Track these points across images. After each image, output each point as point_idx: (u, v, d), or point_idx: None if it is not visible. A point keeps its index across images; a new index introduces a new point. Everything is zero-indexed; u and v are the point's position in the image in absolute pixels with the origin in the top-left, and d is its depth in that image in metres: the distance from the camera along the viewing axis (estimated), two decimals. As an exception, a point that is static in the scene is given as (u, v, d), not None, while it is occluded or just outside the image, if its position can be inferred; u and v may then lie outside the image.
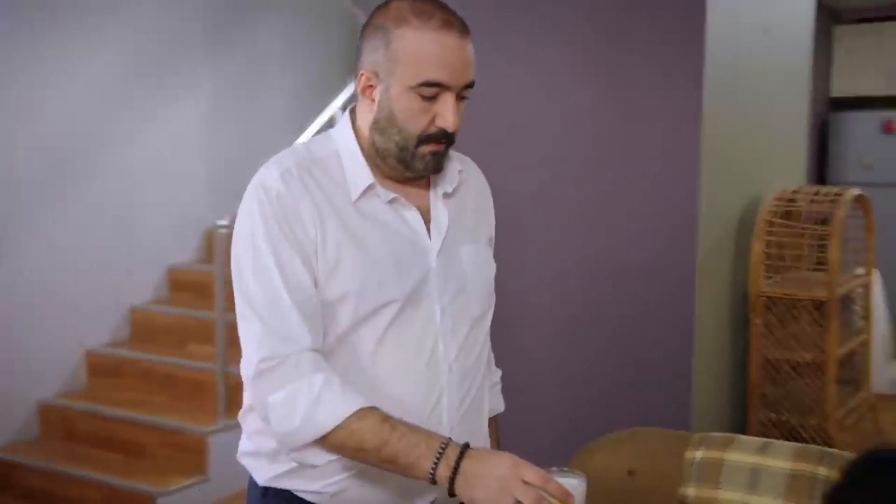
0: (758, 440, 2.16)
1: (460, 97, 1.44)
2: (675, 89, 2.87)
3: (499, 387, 1.82)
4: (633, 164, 2.97)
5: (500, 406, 1.82)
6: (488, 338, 1.70)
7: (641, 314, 2.99)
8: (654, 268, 2.96)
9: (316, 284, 1.41)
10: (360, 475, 1.45)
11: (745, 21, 3.18)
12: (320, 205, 1.43)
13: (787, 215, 3.18)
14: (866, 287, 3.51)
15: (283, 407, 1.35)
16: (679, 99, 2.86)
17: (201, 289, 4.95)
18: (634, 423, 2.34)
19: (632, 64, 2.94)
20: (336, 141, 1.51)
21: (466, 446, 1.32)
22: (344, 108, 5.12)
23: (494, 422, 1.79)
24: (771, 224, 3.09)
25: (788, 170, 3.76)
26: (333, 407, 1.33)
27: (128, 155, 4.86)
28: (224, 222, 4.23)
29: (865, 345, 3.54)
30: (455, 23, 1.41)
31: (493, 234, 1.73)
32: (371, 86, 1.44)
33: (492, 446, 1.75)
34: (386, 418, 1.34)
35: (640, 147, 2.96)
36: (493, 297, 1.66)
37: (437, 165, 1.49)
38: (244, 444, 1.58)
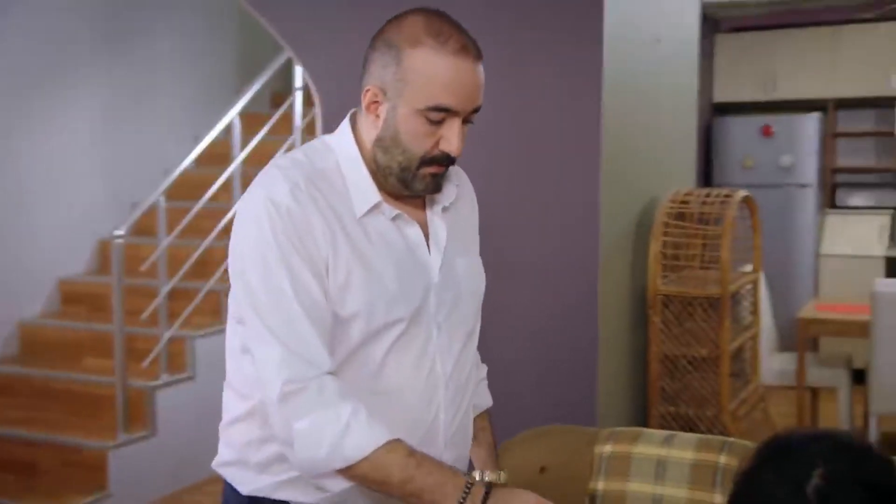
0: (663, 433, 2.25)
1: (466, 121, 1.43)
2: (575, 96, 2.95)
3: (485, 383, 1.80)
4: (536, 167, 3.04)
5: (488, 401, 1.80)
6: (477, 352, 1.72)
7: (547, 314, 3.06)
8: (558, 269, 3.04)
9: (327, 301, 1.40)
10: (359, 486, 1.42)
11: (639, 30, 3.30)
12: (330, 221, 1.40)
13: (681, 216, 3.32)
14: (754, 284, 3.69)
15: (308, 435, 1.33)
16: (579, 105, 2.95)
17: (95, 300, 4.82)
18: (543, 421, 2.39)
19: (532, 69, 3.01)
20: (336, 151, 1.48)
21: (490, 485, 1.35)
22: (243, 115, 5.07)
23: (486, 418, 1.79)
24: (667, 225, 3.21)
25: (680, 172, 3.92)
26: (361, 438, 1.33)
27: (14, 164, 4.68)
28: (121, 232, 4.13)
29: (754, 339, 3.72)
30: (470, 48, 1.39)
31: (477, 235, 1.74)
32: (377, 102, 1.41)
33: (487, 442, 1.75)
34: (412, 452, 1.35)
35: (542, 151, 3.03)
36: (480, 309, 1.65)
37: (436, 186, 1.48)
38: (225, 455, 1.57)
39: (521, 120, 3.05)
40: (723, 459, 2.11)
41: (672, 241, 3.21)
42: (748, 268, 3.73)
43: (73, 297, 4.97)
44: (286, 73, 5.35)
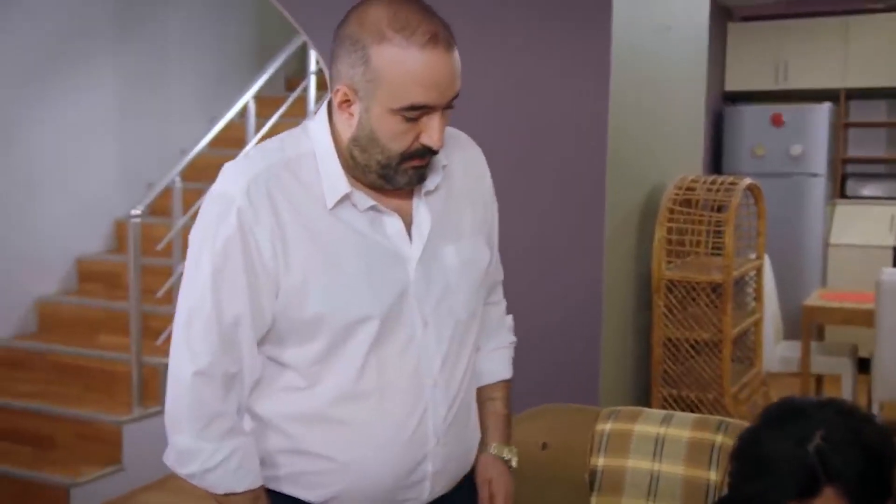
0: (662, 412, 2.31)
1: (447, 106, 1.35)
2: (583, 83, 3.00)
3: (507, 351, 1.77)
4: (543, 153, 3.09)
5: (504, 372, 1.75)
6: (503, 317, 1.75)
7: (552, 297, 3.11)
8: (563, 252, 3.09)
9: (269, 318, 1.39)
10: (352, 485, 1.46)
11: (648, 18, 3.34)
12: (284, 223, 1.35)
13: (686, 203, 3.36)
14: (758, 270, 3.73)
15: (185, 451, 1.39)
16: (587, 92, 2.99)
17: (112, 279, 4.90)
18: (547, 401, 2.45)
19: (541, 57, 3.05)
20: (312, 138, 1.41)
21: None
22: (258, 98, 5.12)
23: (501, 388, 1.74)
24: (671, 211, 3.26)
25: (687, 159, 3.96)
26: (225, 479, 1.39)
27: (32, 146, 4.75)
28: (137, 211, 4.20)
29: (757, 325, 3.77)
30: (440, 36, 1.28)
31: (491, 199, 1.63)
32: (349, 101, 1.33)
33: (495, 413, 1.71)
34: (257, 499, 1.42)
35: (550, 137, 3.07)
36: (484, 290, 1.60)
37: (420, 178, 1.41)
38: None
39: (528, 107, 3.09)
40: (719, 439, 2.17)
41: (677, 227, 3.26)
42: (753, 255, 3.78)
43: (90, 276, 5.05)
44: (301, 57, 5.40)
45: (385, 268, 1.41)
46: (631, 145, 3.20)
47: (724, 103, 6.88)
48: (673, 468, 2.18)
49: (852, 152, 6.89)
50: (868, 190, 6.82)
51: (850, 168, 6.94)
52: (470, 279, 1.51)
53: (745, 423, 2.28)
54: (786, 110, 6.53)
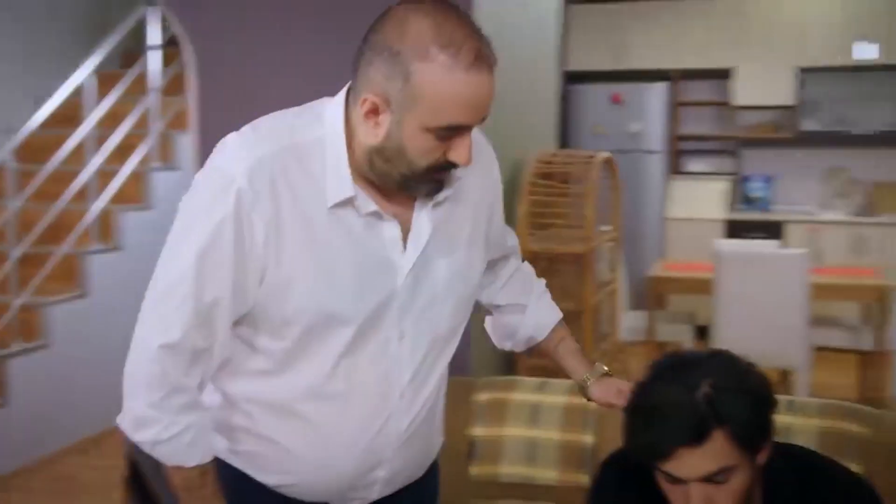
0: (536, 380, 2.36)
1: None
2: None
3: (548, 295, 1.77)
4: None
5: (559, 313, 1.75)
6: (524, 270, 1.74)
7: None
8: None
9: (250, 303, 1.36)
10: (303, 479, 1.47)
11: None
12: (282, 214, 1.31)
13: (546, 177, 3.43)
14: (614, 242, 3.87)
15: (141, 419, 1.36)
16: None
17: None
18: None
19: None
20: (326, 126, 1.34)
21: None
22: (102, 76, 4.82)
23: (562, 328, 1.75)
24: (533, 185, 3.32)
25: (542, 136, 4.05)
26: (175, 454, 1.37)
27: None
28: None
29: (612, 295, 3.91)
30: (484, 55, 1.24)
31: (497, 190, 1.61)
32: (377, 110, 1.27)
33: (572, 349, 1.73)
34: (204, 472, 1.40)
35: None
36: (472, 304, 1.57)
37: (438, 190, 1.37)
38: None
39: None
40: (593, 404, 2.24)
41: (539, 199, 3.32)
42: (607, 228, 3.90)
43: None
44: (137, 32, 5.14)
45: (374, 274, 1.37)
46: (490, 123, 3.21)
47: (567, 83, 7.08)
48: (549, 434, 2.23)
49: (685, 130, 7.25)
50: (701, 166, 7.21)
51: (684, 145, 7.30)
52: (457, 293, 1.49)
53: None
54: (624, 89, 6.79)
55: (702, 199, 6.86)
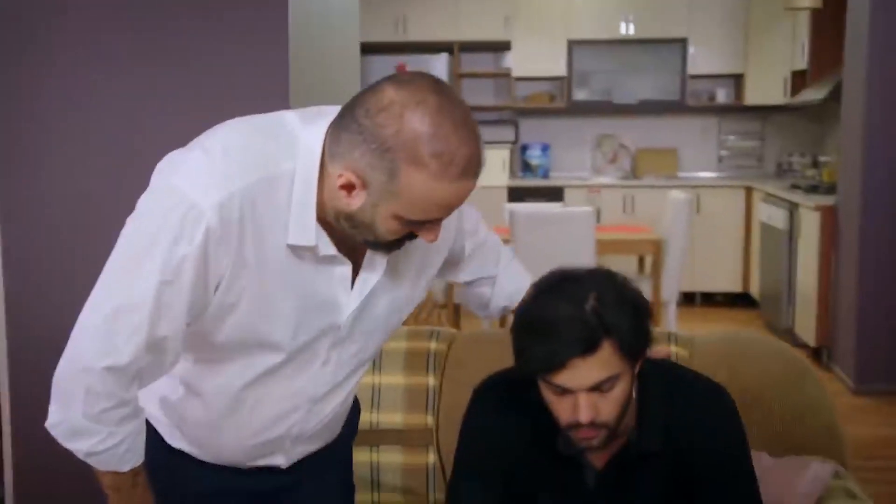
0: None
1: None
2: (262, 45, 2.84)
3: (516, 262, 1.76)
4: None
5: (530, 277, 1.68)
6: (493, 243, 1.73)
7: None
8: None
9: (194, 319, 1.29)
10: (198, 451, 1.50)
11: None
12: (246, 250, 1.24)
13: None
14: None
15: (73, 430, 1.30)
16: (267, 53, 2.85)
17: None
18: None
19: (218, 32, 2.85)
20: (298, 159, 1.24)
21: None
22: None
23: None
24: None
25: (349, 74, 4.03)
26: (110, 462, 1.33)
27: None
28: None
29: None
30: (474, 161, 1.20)
31: (461, 225, 1.58)
32: (353, 186, 1.20)
33: None
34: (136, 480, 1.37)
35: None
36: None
37: (400, 247, 1.32)
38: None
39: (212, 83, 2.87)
40: (433, 346, 2.27)
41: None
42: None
43: None
44: None
45: (317, 312, 1.35)
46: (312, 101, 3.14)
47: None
48: (393, 379, 2.24)
49: (467, 101, 7.44)
50: (483, 136, 7.43)
51: (465, 116, 7.50)
52: (392, 325, 1.49)
53: (453, 330, 2.41)
54: (408, 60, 6.89)
55: (486, 167, 7.07)
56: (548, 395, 1.41)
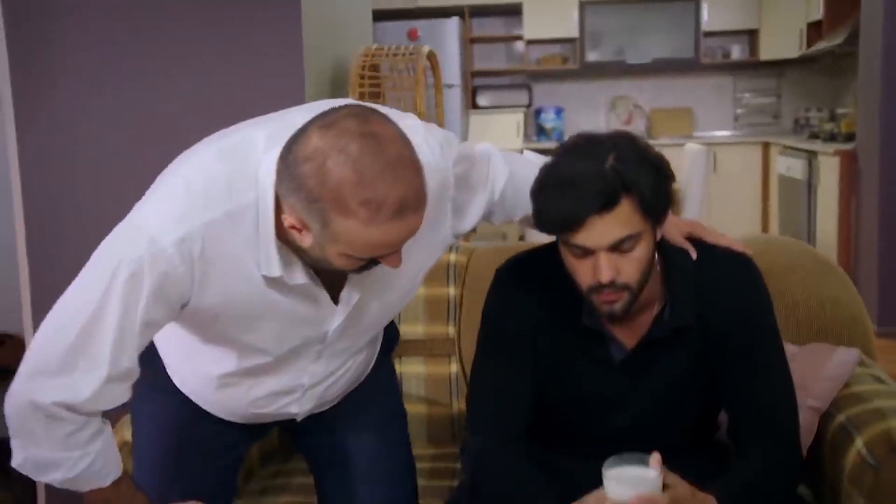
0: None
1: None
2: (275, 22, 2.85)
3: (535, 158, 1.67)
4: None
5: None
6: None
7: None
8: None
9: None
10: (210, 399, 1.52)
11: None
12: (210, 288, 1.23)
13: (373, 68, 3.42)
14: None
15: (42, 464, 1.28)
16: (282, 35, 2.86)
17: None
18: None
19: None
20: (259, 189, 1.21)
21: None
22: None
23: None
24: (362, 76, 3.30)
25: (362, 35, 4.04)
26: (91, 481, 1.31)
27: None
28: None
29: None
30: (408, 201, 1.13)
31: (447, 217, 1.45)
32: (300, 228, 1.18)
33: None
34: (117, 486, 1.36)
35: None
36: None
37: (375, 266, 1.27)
38: None
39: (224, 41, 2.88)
40: (453, 258, 2.26)
41: (369, 91, 3.30)
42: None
43: None
44: None
45: (302, 327, 1.36)
46: (320, 28, 3.13)
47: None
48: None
49: (478, 66, 7.43)
50: (495, 100, 7.42)
51: (478, 81, 7.48)
52: (384, 322, 1.51)
53: (470, 245, 2.41)
54: (420, 25, 6.86)
55: (498, 132, 7.07)
56: (569, 260, 1.40)
